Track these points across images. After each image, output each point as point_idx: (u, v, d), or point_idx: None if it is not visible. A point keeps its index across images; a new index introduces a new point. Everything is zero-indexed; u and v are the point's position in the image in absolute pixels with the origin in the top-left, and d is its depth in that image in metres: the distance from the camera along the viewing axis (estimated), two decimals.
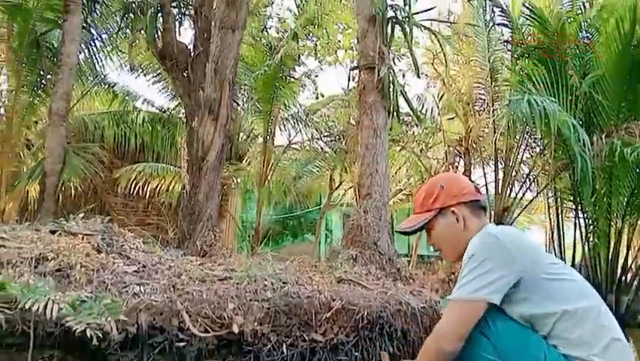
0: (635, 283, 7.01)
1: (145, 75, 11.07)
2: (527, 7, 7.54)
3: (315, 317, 3.23)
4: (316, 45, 11.62)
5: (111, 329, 2.56)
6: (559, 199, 7.99)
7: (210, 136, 5.91)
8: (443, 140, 10.30)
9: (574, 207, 7.65)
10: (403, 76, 10.65)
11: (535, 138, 8.51)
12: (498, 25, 8.88)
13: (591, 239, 7.20)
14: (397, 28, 7.12)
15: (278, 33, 11.79)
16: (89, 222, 4.06)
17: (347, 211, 14.88)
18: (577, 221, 7.46)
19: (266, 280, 3.47)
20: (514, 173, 8.49)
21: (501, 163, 8.50)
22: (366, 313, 3.35)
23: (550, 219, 8.27)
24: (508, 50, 8.79)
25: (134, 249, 3.85)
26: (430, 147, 11.17)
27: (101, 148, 9.06)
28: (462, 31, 9.97)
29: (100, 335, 2.45)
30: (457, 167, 10.35)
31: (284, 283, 3.49)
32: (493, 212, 8.22)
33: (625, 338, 1.70)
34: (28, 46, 8.23)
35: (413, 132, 10.99)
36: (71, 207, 8.47)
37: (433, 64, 10.44)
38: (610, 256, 6.92)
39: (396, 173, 11.85)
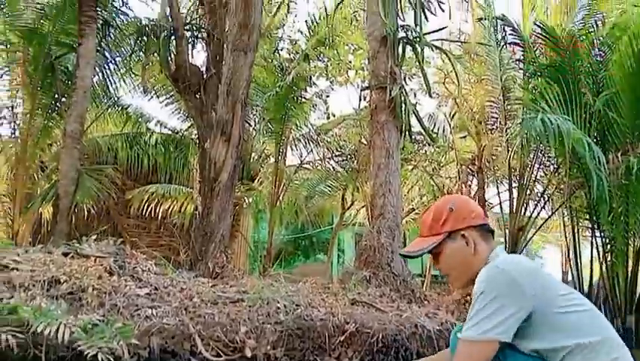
0: None
1: (158, 97, 11.18)
2: (539, 26, 7.53)
3: (329, 340, 3.18)
4: (327, 66, 11.69)
5: (123, 353, 2.54)
6: (575, 218, 7.88)
7: (222, 157, 5.92)
8: (455, 158, 10.25)
9: (590, 225, 7.52)
10: (415, 95, 10.66)
11: (549, 157, 8.42)
12: (509, 44, 8.86)
13: (609, 258, 7.06)
14: (408, 48, 7.12)
15: (289, 54, 11.88)
16: (102, 244, 4.06)
17: (359, 231, 14.80)
18: (594, 240, 7.33)
19: (278, 302, 3.43)
20: (528, 192, 8.39)
21: (515, 182, 8.41)
22: (381, 337, 3.30)
23: (566, 238, 8.13)
24: (520, 69, 8.77)
25: (146, 271, 3.84)
26: (443, 166, 11.12)
27: (115, 170, 9.11)
28: (473, 51, 9.99)
29: (112, 359, 2.43)
30: (470, 186, 10.28)
31: (297, 305, 3.45)
32: (507, 231, 8.11)
33: None
34: (44, 69, 8.36)
35: (425, 151, 10.96)
36: (84, 228, 8.49)
37: (444, 83, 10.44)
38: (629, 275, 6.77)
39: (408, 192, 11.80)
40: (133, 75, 9.80)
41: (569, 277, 10.06)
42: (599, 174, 6.07)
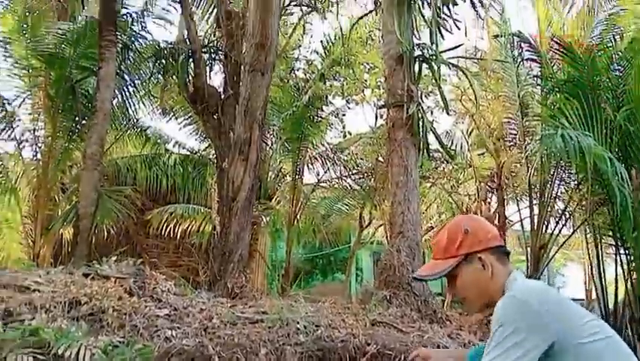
0: None
1: (176, 118, 11.32)
2: (556, 41, 7.49)
3: None
4: (343, 85, 11.75)
5: None
6: (597, 235, 7.73)
7: (240, 177, 5.95)
8: (474, 176, 10.17)
9: (614, 242, 7.36)
10: (431, 113, 10.65)
11: (570, 173, 8.30)
12: (526, 60, 8.83)
13: (634, 275, 6.89)
14: (425, 66, 7.13)
15: (305, 74, 11.98)
16: (122, 264, 4.08)
17: (377, 250, 14.69)
18: (618, 257, 7.18)
19: (298, 323, 3.40)
20: (549, 209, 8.27)
21: (535, 199, 8.30)
22: (402, 358, 3.24)
23: (589, 255, 7.98)
24: (538, 85, 8.71)
25: (165, 291, 3.84)
26: (461, 183, 11.03)
27: (134, 191, 9.20)
28: (489, 68, 9.96)
29: None
30: (489, 203, 10.17)
31: (317, 326, 3.41)
32: (529, 249, 7.98)
33: None
34: (65, 93, 8.52)
35: (443, 169, 10.91)
36: (104, 249, 8.54)
37: (461, 100, 10.42)
38: None
39: (426, 210, 11.72)
40: (152, 97, 9.96)
41: (593, 296, 9.85)
42: (622, 190, 5.95)
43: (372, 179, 10.98)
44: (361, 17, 10.05)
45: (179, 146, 12.06)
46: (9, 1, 9.43)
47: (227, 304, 4.06)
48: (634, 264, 6.94)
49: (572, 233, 8.64)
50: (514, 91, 8.95)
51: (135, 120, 10.45)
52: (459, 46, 7.81)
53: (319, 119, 11.30)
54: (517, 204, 9.55)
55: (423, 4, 7.34)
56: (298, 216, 10.92)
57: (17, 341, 2.55)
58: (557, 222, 8.23)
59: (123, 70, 8.73)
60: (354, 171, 11.88)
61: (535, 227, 8.03)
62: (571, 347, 1.58)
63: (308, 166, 11.75)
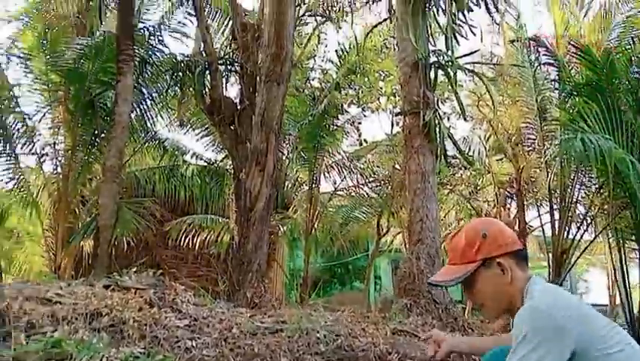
0: None
1: (193, 130, 11.43)
2: (573, 45, 7.42)
3: None
4: (358, 93, 11.77)
5: None
6: (620, 239, 7.59)
7: (258, 187, 5.97)
8: (493, 181, 10.08)
9: (637, 247, 7.24)
10: (448, 119, 10.60)
11: (591, 177, 8.19)
12: (544, 64, 8.75)
13: None
14: (440, 72, 7.10)
15: (320, 84, 12.02)
16: (142, 275, 4.09)
17: (396, 258, 14.59)
18: None
19: (318, 332, 3.37)
20: (570, 213, 8.15)
21: (556, 203, 8.19)
22: None
23: (612, 260, 7.84)
24: (556, 89, 8.62)
25: (185, 302, 3.84)
26: (480, 189, 10.94)
27: (153, 202, 9.28)
28: (506, 73, 9.90)
29: None
30: (508, 209, 10.06)
31: (337, 335, 3.38)
32: (551, 255, 7.87)
33: None
34: (84, 107, 8.65)
35: (461, 175, 10.83)
36: (124, 260, 8.63)
37: (478, 106, 10.36)
38: None
39: (445, 216, 11.64)
40: (169, 110, 10.06)
41: (617, 301, 9.66)
42: None
43: (389, 186, 10.93)
44: (375, 26, 10.06)
45: (197, 157, 12.16)
46: (29, 19, 9.63)
47: (247, 314, 4.06)
48: None
49: (594, 238, 8.51)
50: (532, 96, 8.88)
51: (153, 133, 10.56)
52: (475, 52, 7.79)
53: (335, 127, 11.32)
54: (538, 210, 9.45)
55: (438, 10, 7.32)
56: (316, 225, 10.92)
57: (40, 353, 2.58)
58: (579, 227, 8.11)
59: (141, 83, 8.83)
60: (371, 179, 11.86)
61: (557, 232, 7.92)
62: (592, 357, 1.56)
63: (324, 175, 11.75)
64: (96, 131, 8.92)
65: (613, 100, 6.87)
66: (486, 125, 10.73)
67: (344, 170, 11.84)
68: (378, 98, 11.77)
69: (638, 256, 7.17)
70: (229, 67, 8.29)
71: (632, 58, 7.53)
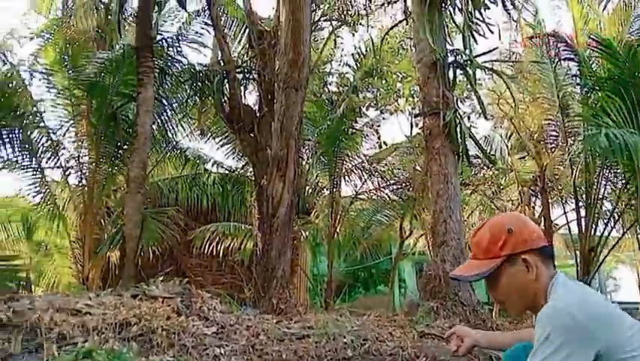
0: None
1: (214, 138, 11.52)
2: (593, 39, 7.30)
3: None
4: (376, 96, 11.75)
5: None
6: None
7: (279, 193, 5.98)
8: (516, 180, 9.94)
9: None
10: (468, 118, 10.51)
11: (617, 172, 8.04)
12: (564, 59, 8.62)
13: None
14: (459, 71, 7.05)
15: (338, 88, 12.03)
16: (168, 284, 4.14)
17: (419, 260, 14.48)
18: None
19: (345, 337, 3.37)
20: (596, 210, 8.00)
21: (581, 201, 8.05)
22: None
23: None
24: (578, 84, 8.49)
25: (212, 310, 3.87)
26: (503, 189, 10.80)
27: (176, 211, 9.36)
28: (525, 70, 9.78)
29: None
30: (533, 207, 9.92)
31: (364, 340, 3.38)
32: (578, 253, 7.73)
33: None
34: (106, 120, 8.77)
35: (483, 175, 10.71)
36: (149, 270, 8.71)
37: (498, 104, 10.25)
38: None
39: (468, 217, 11.51)
40: (190, 119, 10.15)
41: None
42: None
43: (411, 188, 10.87)
44: (392, 28, 10.04)
45: (218, 165, 12.24)
46: (50, 35, 9.83)
47: (273, 320, 4.07)
48: None
49: (623, 235, 8.34)
50: (553, 92, 8.75)
51: (175, 142, 10.68)
52: (493, 49, 7.71)
53: (354, 131, 11.29)
54: (563, 207, 9.29)
55: (454, 9, 7.28)
56: (338, 230, 10.88)
57: None
58: (606, 224, 7.96)
59: (161, 94, 8.93)
60: (392, 182, 11.79)
61: (584, 230, 7.78)
62: (617, 359, 1.53)
63: (344, 179, 11.73)
64: (119, 143, 9.04)
65: (637, 93, 6.74)
66: (507, 123, 10.60)
67: (364, 173, 11.81)
68: (397, 100, 11.72)
69: None
70: (247, 75, 8.35)
71: None
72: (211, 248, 10.01)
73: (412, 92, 11.20)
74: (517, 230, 1.79)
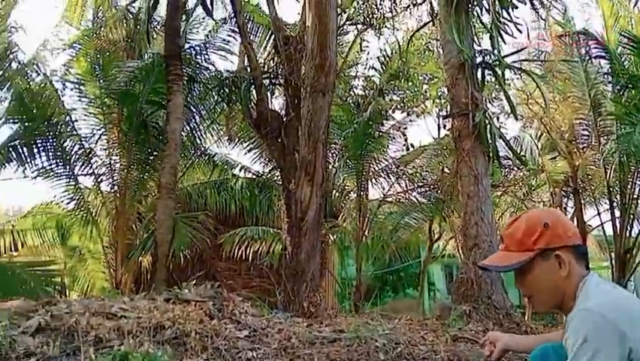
0: None
1: (241, 144, 11.62)
2: (625, 36, 7.16)
3: None
4: (403, 98, 11.69)
5: None
6: None
7: (307, 197, 6.00)
8: (547, 181, 9.77)
9: None
10: (497, 119, 10.37)
11: None
12: (595, 57, 8.46)
13: None
14: (488, 72, 6.97)
15: (364, 91, 12.01)
16: (200, 288, 4.18)
17: (449, 263, 14.34)
18: None
19: (377, 341, 3.35)
20: (631, 211, 7.80)
21: (616, 201, 7.86)
22: None
23: None
24: (609, 82, 8.32)
25: (243, 313, 3.89)
26: (534, 190, 10.62)
27: (205, 216, 9.47)
28: (555, 69, 9.61)
29: None
30: (565, 208, 9.73)
31: (396, 343, 3.35)
32: (613, 255, 7.56)
33: None
34: (137, 127, 8.96)
35: (514, 176, 10.55)
36: (180, 274, 8.82)
37: (527, 104, 10.09)
38: None
39: (499, 219, 11.34)
40: (218, 125, 10.27)
41: None
42: None
43: (440, 191, 10.77)
44: (418, 30, 9.99)
45: (245, 170, 12.35)
46: (81, 45, 10.07)
47: (304, 323, 4.08)
48: None
49: None
50: (584, 91, 8.60)
51: (203, 148, 10.81)
52: (522, 49, 7.60)
53: (380, 134, 11.27)
54: (597, 208, 9.09)
55: (481, 10, 7.20)
56: (366, 233, 10.86)
57: None
58: None
59: (190, 101, 9.07)
60: (420, 184, 11.71)
61: (618, 231, 7.61)
62: None
63: (372, 182, 11.70)
64: (149, 150, 9.21)
65: None
66: (536, 123, 10.43)
67: (392, 176, 11.77)
68: (424, 102, 11.64)
69: None
70: (273, 80, 8.40)
71: None
72: (240, 252, 10.09)
73: (439, 94, 11.11)
74: (553, 225, 1.77)
